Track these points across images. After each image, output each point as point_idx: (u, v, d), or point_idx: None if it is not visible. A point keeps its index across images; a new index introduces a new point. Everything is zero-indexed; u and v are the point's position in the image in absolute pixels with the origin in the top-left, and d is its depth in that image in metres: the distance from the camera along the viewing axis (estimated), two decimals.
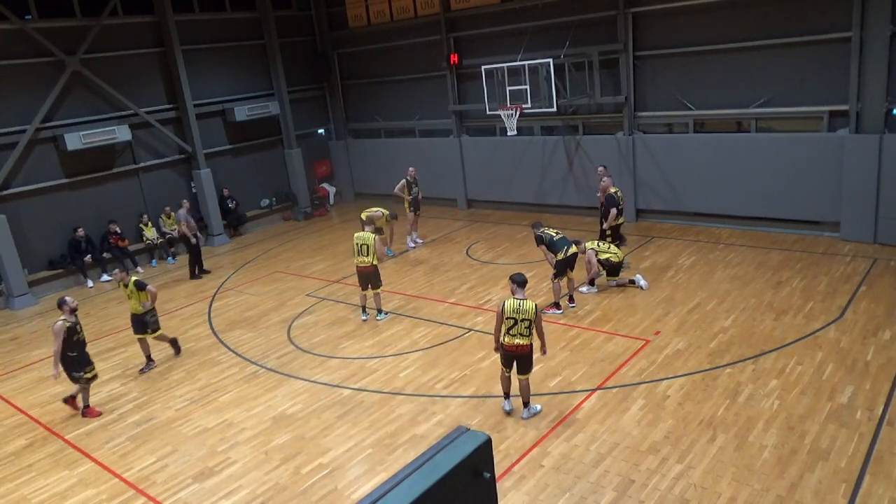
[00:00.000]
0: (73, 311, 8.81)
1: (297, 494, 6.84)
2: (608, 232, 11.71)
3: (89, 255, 15.27)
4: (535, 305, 7.27)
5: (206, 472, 7.42)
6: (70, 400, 9.06)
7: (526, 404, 7.62)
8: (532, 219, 13.49)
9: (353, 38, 19.73)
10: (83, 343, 8.91)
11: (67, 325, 8.60)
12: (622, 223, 11.89)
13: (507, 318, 7.27)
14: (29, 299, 14.33)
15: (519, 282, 7.43)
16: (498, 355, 7.67)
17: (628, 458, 6.76)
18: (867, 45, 11.52)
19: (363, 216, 13.49)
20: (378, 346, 10.22)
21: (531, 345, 7.35)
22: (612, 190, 11.77)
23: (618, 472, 6.57)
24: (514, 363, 7.46)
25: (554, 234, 10.54)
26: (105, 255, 15.63)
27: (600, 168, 12.87)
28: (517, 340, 7.27)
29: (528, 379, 7.51)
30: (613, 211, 11.51)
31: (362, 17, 19.08)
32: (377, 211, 14.19)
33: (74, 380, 8.88)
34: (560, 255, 10.30)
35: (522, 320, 7.21)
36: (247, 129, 18.74)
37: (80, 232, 15.15)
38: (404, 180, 14.90)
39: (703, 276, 11.44)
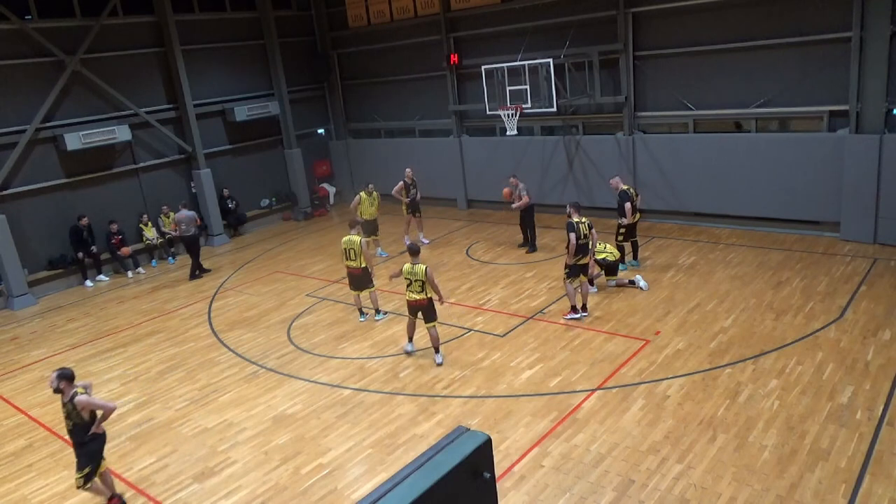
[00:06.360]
0: None
1: (297, 494, 6.83)
2: (622, 230, 11.67)
3: (93, 247, 15.18)
4: (426, 268, 9.01)
5: (206, 472, 7.42)
6: None
7: (437, 350, 9.33)
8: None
9: (353, 39, 19.73)
10: None
11: None
12: (638, 220, 11.88)
13: (404, 278, 9.19)
14: (29, 299, 14.34)
15: (411, 249, 9.29)
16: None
17: (628, 458, 6.76)
18: (867, 45, 11.52)
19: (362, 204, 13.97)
20: (378, 346, 10.22)
21: (428, 299, 9.13)
22: (625, 187, 11.74)
23: (618, 472, 6.57)
24: (419, 313, 9.30)
25: (582, 235, 9.97)
26: (104, 254, 15.62)
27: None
28: (413, 295, 9.16)
29: (434, 327, 9.31)
30: (628, 205, 11.47)
31: (362, 18, 19.09)
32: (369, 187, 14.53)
33: None
34: (572, 261, 10.10)
35: (416, 280, 9.04)
36: (247, 129, 18.75)
37: (84, 221, 15.10)
38: (402, 182, 14.81)
39: (703, 276, 11.44)
